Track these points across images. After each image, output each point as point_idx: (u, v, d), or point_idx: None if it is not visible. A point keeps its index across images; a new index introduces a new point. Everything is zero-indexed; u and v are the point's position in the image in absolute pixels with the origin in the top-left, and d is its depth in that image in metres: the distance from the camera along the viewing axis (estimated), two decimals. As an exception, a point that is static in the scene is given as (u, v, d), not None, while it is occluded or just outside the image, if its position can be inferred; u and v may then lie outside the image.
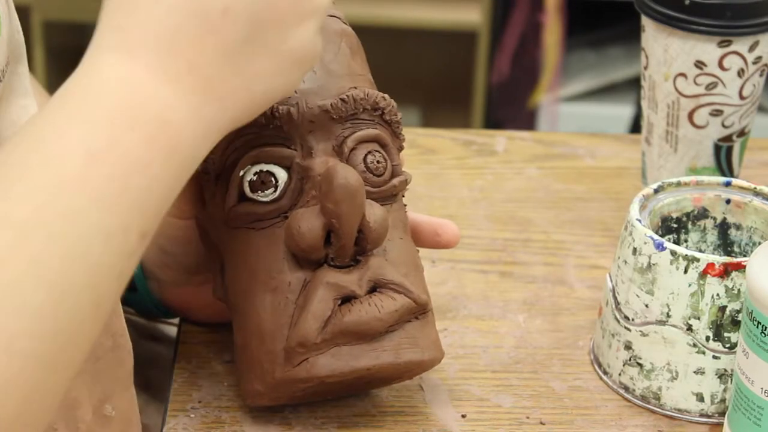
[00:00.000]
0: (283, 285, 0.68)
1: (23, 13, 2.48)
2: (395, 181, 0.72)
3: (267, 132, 0.68)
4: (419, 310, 0.70)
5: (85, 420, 0.67)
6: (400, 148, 0.73)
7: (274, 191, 0.69)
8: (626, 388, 0.77)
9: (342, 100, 0.69)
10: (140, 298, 0.79)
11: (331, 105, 0.69)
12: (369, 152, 0.70)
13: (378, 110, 0.71)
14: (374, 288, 0.69)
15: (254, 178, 0.69)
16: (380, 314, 0.67)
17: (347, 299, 0.68)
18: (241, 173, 0.69)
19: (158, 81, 0.56)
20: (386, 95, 0.72)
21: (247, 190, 0.69)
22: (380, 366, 0.68)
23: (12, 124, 0.68)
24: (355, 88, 0.70)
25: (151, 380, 0.84)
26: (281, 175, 0.69)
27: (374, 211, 0.68)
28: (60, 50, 2.52)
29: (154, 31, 0.57)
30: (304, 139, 0.69)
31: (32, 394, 0.50)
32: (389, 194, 0.71)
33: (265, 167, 0.69)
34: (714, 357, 0.74)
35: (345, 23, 0.73)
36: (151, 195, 0.55)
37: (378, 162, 0.70)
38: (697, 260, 0.72)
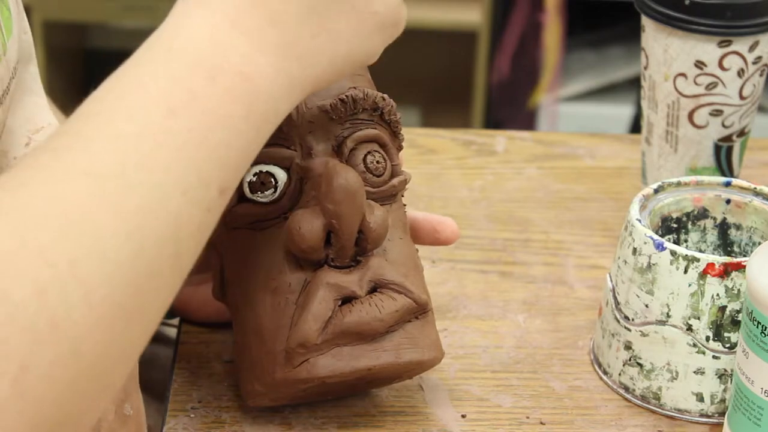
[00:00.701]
0: (283, 285, 0.68)
1: (23, 13, 2.48)
2: (395, 181, 0.71)
3: None
4: (419, 310, 0.70)
5: (108, 419, 0.67)
6: (399, 148, 0.73)
7: (274, 192, 0.69)
8: (626, 388, 0.77)
9: (341, 100, 0.69)
10: None
11: (330, 105, 0.69)
12: (369, 152, 0.70)
13: (377, 110, 0.71)
14: (374, 288, 0.69)
15: (253, 178, 0.68)
16: (381, 314, 0.67)
17: (347, 300, 0.68)
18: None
19: (239, 33, 0.57)
20: (385, 95, 0.72)
21: (246, 190, 0.69)
22: (381, 366, 0.68)
23: (26, 120, 0.69)
24: (355, 88, 0.70)
25: (151, 380, 0.84)
26: (281, 175, 0.69)
27: (374, 212, 0.68)
28: (60, 50, 2.53)
29: None
30: (304, 139, 0.69)
31: (111, 344, 0.50)
32: (389, 194, 0.71)
33: (264, 168, 0.68)
34: (714, 357, 0.74)
35: None
36: (231, 149, 0.56)
37: (377, 162, 0.70)
38: (697, 260, 0.72)
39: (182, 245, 0.53)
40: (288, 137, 0.69)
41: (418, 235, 0.77)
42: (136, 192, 0.51)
